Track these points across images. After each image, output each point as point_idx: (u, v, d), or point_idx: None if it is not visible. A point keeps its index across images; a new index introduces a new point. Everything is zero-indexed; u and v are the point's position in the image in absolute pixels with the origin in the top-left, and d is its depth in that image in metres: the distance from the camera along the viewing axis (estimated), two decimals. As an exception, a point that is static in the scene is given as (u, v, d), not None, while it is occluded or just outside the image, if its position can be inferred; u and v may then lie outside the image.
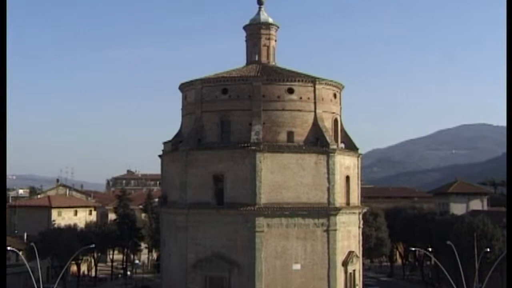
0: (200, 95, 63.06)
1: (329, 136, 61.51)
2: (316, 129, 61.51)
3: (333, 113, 64.59)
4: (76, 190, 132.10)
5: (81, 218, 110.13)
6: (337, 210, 59.99)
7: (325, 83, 63.30)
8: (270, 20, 69.33)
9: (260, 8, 70.25)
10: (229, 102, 61.49)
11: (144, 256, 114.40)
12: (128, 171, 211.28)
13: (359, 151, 66.75)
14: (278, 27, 69.81)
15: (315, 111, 61.91)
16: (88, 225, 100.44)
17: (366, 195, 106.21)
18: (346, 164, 63.30)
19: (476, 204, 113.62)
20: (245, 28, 69.94)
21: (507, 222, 52.01)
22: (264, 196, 58.47)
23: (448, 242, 62.79)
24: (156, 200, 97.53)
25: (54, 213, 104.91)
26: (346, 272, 61.21)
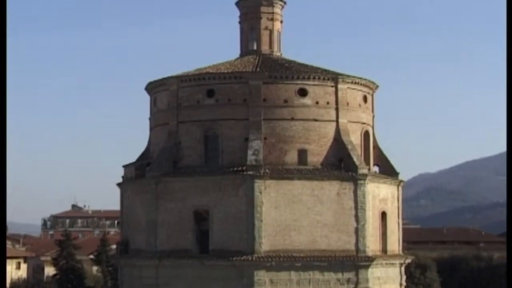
0: (175, 99, 63.75)
1: (357, 156, 62.24)
2: (338, 146, 62.20)
3: (363, 123, 65.38)
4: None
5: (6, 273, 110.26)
6: (369, 260, 60.44)
7: (352, 82, 64.12)
8: (274, -8, 70.38)
9: (259, -24, 71.26)
10: (217, 109, 62.20)
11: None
12: (73, 206, 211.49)
13: (400, 177, 67.48)
14: (285, 3, 70.68)
15: (337, 121, 62.66)
16: (15, 283, 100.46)
17: (411, 239, 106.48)
18: (381, 196, 63.93)
19: None
20: (238, 4, 70.73)
21: (507, 223, 54.94)
22: (266, 241, 58.89)
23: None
24: (114, 247, 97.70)
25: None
26: None
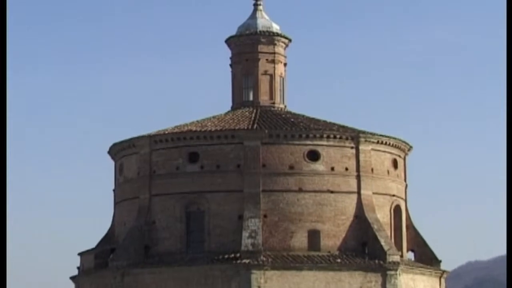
0: (148, 165, 63.70)
1: (385, 238, 62.07)
2: (361, 225, 62.18)
3: (393, 195, 65.40)
4: None
5: None
6: None
7: (377, 142, 64.31)
8: (275, 28, 70.52)
9: (256, 7, 71.60)
10: (202, 178, 62.12)
11: None
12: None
13: (443, 266, 67.18)
14: (289, 41, 71.16)
15: (359, 193, 62.69)
16: None
17: None
18: (418, 291, 63.74)
19: None
20: (228, 42, 71.13)
21: (507, 222, 57.12)
22: None
23: None
24: None
25: None
26: None
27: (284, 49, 70.93)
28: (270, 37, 69.92)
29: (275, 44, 70.00)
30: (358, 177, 62.85)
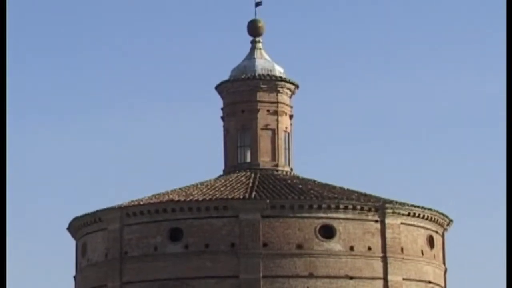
0: (118, 245, 63.35)
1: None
2: (388, 320, 61.61)
3: (429, 282, 64.94)
4: None
5: None
6: None
7: (408, 214, 63.92)
8: (278, 71, 70.89)
9: (255, 44, 72.17)
10: (187, 260, 61.77)
11: None
12: None
13: None
14: (296, 87, 71.21)
15: (385, 279, 62.34)
16: None
17: None
18: None
19: None
20: (220, 89, 71.11)
21: (507, 222, 59.14)
22: None
23: None
24: None
25: None
26: None
27: (290, 97, 71.20)
28: (272, 82, 70.16)
29: (278, 91, 70.19)
30: (385, 259, 62.53)
